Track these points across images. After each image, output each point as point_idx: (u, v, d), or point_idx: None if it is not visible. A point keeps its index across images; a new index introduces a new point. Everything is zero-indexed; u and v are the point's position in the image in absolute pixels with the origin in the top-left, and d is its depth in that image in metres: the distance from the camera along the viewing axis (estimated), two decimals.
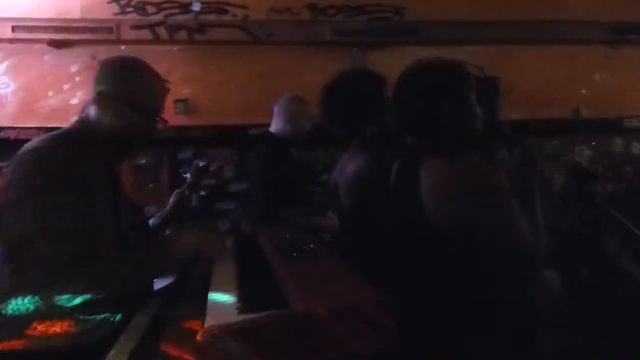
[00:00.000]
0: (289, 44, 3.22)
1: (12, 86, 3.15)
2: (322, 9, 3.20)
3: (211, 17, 3.12)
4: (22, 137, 3.06)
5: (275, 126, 2.48)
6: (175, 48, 3.19)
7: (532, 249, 1.22)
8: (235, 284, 1.20)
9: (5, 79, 3.14)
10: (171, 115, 3.16)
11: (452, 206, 1.21)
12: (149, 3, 3.08)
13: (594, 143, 3.50)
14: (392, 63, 3.33)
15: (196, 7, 3.09)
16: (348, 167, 1.80)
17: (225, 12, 3.14)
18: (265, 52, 3.21)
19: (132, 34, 3.06)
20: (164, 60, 3.18)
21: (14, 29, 3.00)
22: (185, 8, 3.10)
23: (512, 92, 3.41)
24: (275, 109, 2.49)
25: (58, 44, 3.09)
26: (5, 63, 3.14)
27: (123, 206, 1.29)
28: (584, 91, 3.48)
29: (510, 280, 1.29)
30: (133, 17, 3.08)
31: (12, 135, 3.03)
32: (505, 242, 1.20)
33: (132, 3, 3.07)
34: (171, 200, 1.95)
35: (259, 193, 2.36)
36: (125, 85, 1.30)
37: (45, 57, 3.13)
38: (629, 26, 3.44)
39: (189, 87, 3.19)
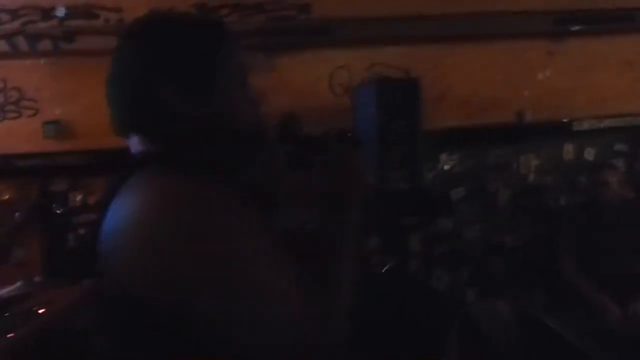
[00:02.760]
0: None
1: None
2: (212, 8, 2.73)
3: (80, 23, 2.65)
4: None
5: None
6: (42, 61, 2.71)
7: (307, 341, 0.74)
8: None
9: None
10: (39, 141, 2.70)
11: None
12: (2, 10, 2.60)
13: (542, 151, 3.05)
14: (304, 69, 2.96)
15: (61, 12, 2.61)
16: None
17: (96, 16, 2.66)
18: None
19: None
20: (32, 75, 2.71)
21: None
22: (48, 14, 2.61)
23: (444, 96, 2.97)
24: None
25: None
26: None
27: None
28: (527, 92, 3.03)
29: None
30: None
31: None
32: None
33: None
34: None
35: None
36: None
37: None
38: (574, 16, 3.01)
39: (61, 106, 2.71)
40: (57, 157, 2.67)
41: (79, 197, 2.73)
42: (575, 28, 2.98)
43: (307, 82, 2.90)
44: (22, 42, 2.61)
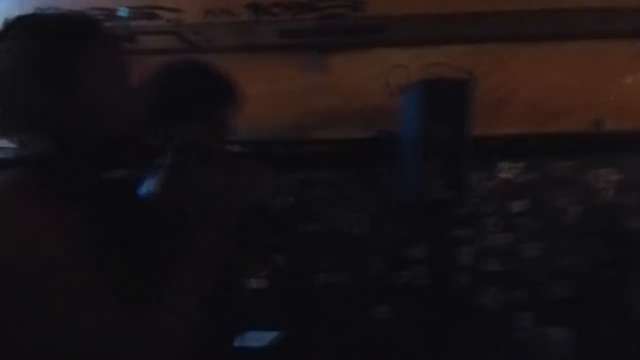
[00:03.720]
0: (229, 50, 2.80)
1: None
2: (266, 7, 2.75)
3: (141, 23, 2.79)
4: None
5: None
6: None
7: None
8: None
9: None
10: None
11: None
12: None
13: (621, 164, 2.68)
14: (357, 68, 2.87)
15: (123, 12, 2.77)
16: None
17: (157, 16, 2.79)
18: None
19: None
20: None
21: None
22: (112, 15, 2.79)
23: (509, 100, 2.73)
24: None
25: None
26: None
27: None
28: (607, 98, 2.69)
29: None
30: None
31: None
32: None
33: None
34: None
35: None
36: None
37: None
38: None
39: None
40: None
41: None
42: None
43: (360, 81, 2.82)
44: None
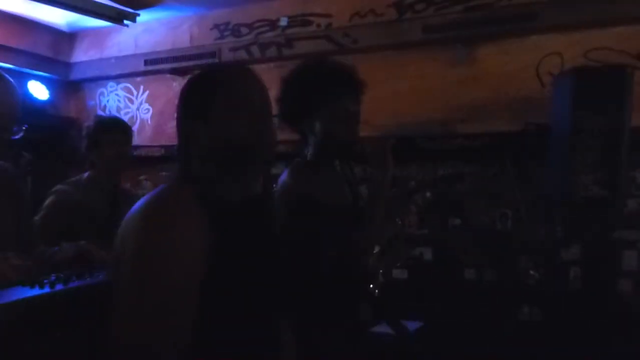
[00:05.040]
0: (376, 49, 2.90)
1: (151, 111, 3.65)
2: (409, 5, 2.78)
3: (296, 30, 3.04)
4: (151, 154, 3.53)
5: None
6: (272, 65, 3.21)
7: None
8: None
9: (146, 105, 3.67)
10: None
11: None
12: (243, 25, 3.17)
13: None
14: (507, 59, 2.75)
15: (284, 21, 3.05)
16: None
17: (310, 23, 3.01)
18: (351, 61, 2.96)
19: (230, 56, 3.20)
20: (264, 77, 3.24)
21: (145, 62, 3.47)
22: (274, 25, 3.09)
23: None
24: None
25: (180, 72, 3.44)
26: (147, 92, 3.66)
27: None
28: None
29: None
30: (230, 40, 3.22)
31: (143, 152, 3.51)
32: None
33: (229, 27, 3.22)
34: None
35: None
36: None
37: (174, 84, 3.52)
38: None
39: None
40: None
41: None
42: None
43: (509, 72, 2.70)
44: (255, 50, 3.15)
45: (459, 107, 2.78)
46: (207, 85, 1.05)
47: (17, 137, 1.40)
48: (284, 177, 1.50)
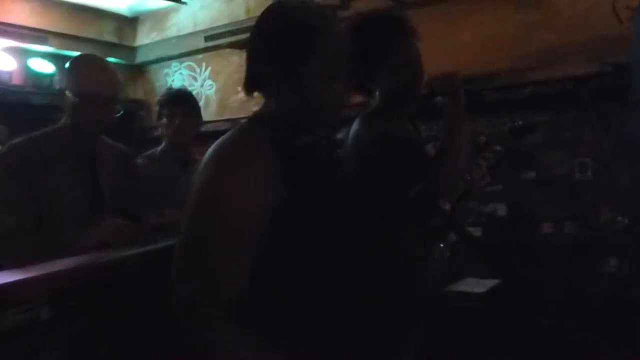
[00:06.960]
0: (436, 2, 2.79)
1: (214, 87, 3.72)
2: None
3: None
4: (217, 129, 3.62)
5: None
6: None
7: None
8: None
9: (210, 81, 3.74)
10: None
11: None
12: None
13: None
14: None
15: None
16: None
17: None
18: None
19: None
20: None
21: (205, 39, 3.53)
22: None
23: None
24: None
25: (239, 46, 3.47)
26: (209, 68, 3.73)
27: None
28: None
29: None
30: None
31: (210, 127, 3.60)
32: None
33: None
34: None
35: None
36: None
37: (234, 58, 3.56)
38: None
39: None
40: None
41: None
42: None
43: (581, 11, 2.52)
44: None
45: (527, 54, 2.63)
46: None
47: (119, 115, 1.53)
48: (354, 127, 1.48)
